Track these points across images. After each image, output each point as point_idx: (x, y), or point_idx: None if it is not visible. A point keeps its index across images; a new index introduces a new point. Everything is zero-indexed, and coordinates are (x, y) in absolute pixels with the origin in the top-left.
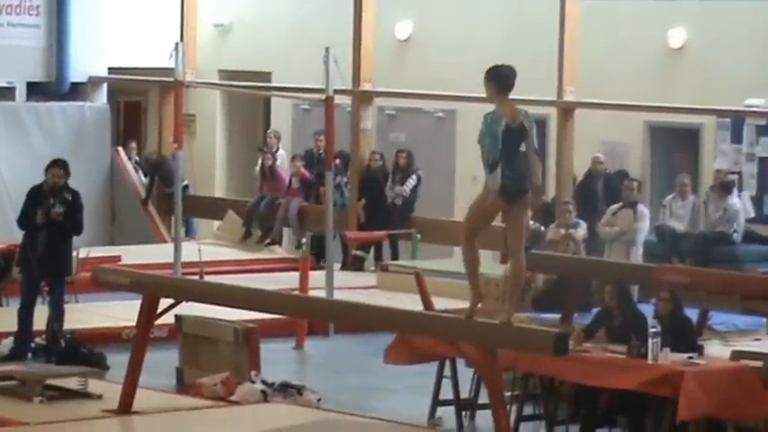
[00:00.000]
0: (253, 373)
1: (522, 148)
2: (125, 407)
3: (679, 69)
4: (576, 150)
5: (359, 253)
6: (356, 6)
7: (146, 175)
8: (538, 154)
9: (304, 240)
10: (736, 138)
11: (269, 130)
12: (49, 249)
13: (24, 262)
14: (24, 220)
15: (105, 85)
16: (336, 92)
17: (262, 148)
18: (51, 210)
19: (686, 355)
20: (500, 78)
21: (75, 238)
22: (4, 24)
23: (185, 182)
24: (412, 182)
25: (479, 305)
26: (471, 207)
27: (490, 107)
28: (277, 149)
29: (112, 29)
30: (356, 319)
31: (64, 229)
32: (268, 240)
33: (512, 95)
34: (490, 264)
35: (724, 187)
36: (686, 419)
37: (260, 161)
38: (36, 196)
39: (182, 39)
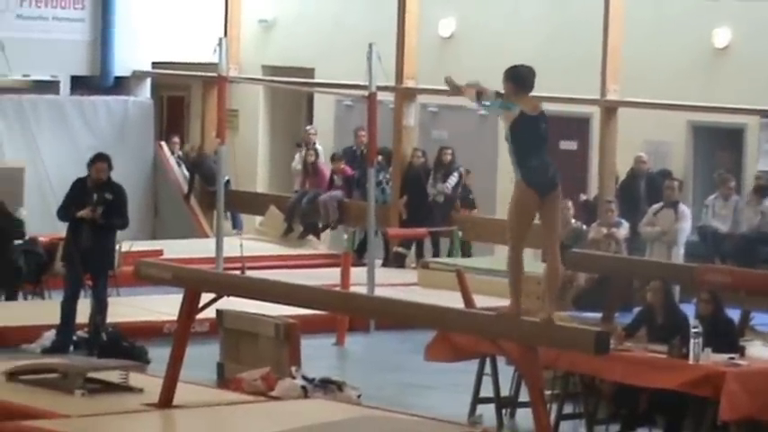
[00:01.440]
0: (293, 368)
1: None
2: (166, 401)
3: (723, 69)
4: (618, 149)
5: (400, 250)
6: (400, 3)
7: (188, 170)
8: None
9: (345, 235)
10: None
11: (307, 126)
12: (93, 244)
13: (68, 257)
14: (63, 212)
15: (149, 80)
16: (379, 88)
17: (299, 144)
18: (94, 209)
19: (727, 356)
20: (518, 78)
21: (117, 232)
22: (50, 18)
23: (227, 177)
24: (453, 179)
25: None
26: (509, 215)
27: None
28: (314, 145)
29: (157, 24)
30: (397, 316)
31: (110, 224)
32: (307, 234)
33: (555, 94)
34: (531, 262)
35: (759, 191)
36: (728, 420)
37: (297, 157)
38: (79, 190)
39: (225, 34)
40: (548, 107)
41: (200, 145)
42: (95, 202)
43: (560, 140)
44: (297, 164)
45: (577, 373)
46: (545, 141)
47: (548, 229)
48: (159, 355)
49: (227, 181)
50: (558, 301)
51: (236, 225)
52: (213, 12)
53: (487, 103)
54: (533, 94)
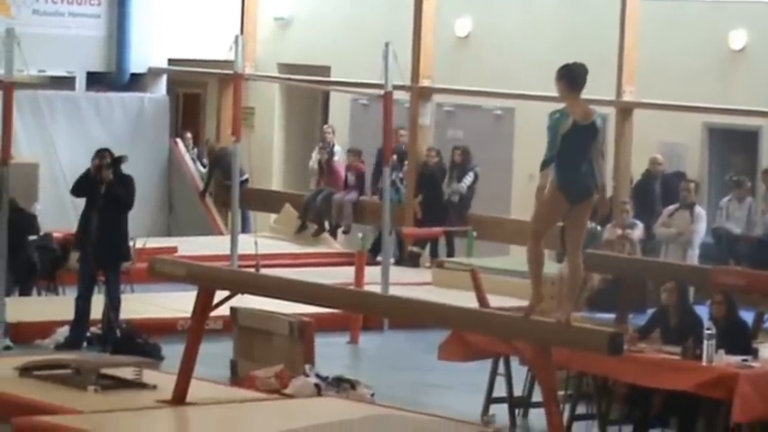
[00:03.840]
0: (307, 366)
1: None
2: (179, 398)
3: (739, 71)
4: (634, 150)
5: (414, 249)
6: (416, 2)
7: (204, 167)
8: (603, 156)
9: (360, 234)
10: None
11: (325, 126)
12: (103, 233)
13: (80, 247)
14: (77, 185)
15: (165, 77)
16: (395, 87)
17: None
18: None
19: (741, 358)
20: (572, 76)
21: (131, 229)
22: (66, 14)
23: (246, 175)
24: (469, 179)
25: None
26: (538, 207)
27: (550, 105)
28: (333, 144)
29: (173, 20)
30: (411, 315)
31: (117, 203)
32: (321, 231)
33: None
34: (546, 262)
35: None
36: (741, 422)
37: (314, 155)
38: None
39: (242, 31)
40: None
41: (218, 141)
42: (103, 195)
43: None
44: (314, 162)
45: (591, 373)
46: (589, 150)
47: (572, 236)
48: (173, 351)
49: (246, 179)
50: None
51: (246, 227)
52: (229, 9)
53: (548, 127)
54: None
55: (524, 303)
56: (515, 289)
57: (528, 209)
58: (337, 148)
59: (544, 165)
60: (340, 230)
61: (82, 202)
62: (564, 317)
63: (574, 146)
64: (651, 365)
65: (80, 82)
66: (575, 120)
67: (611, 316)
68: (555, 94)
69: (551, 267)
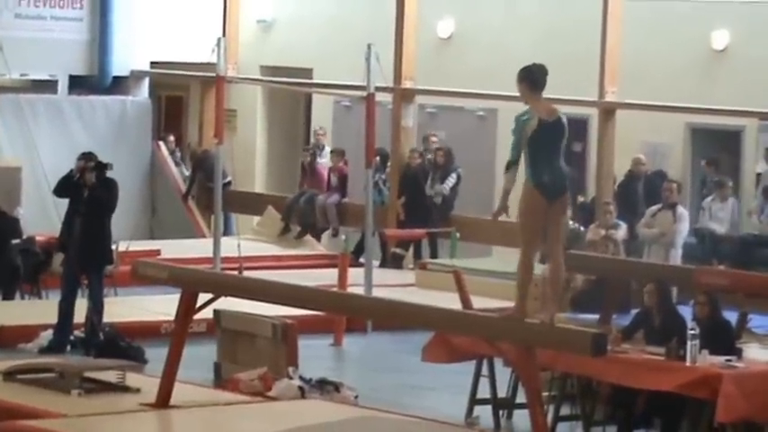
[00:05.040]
0: (290, 369)
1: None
2: (163, 401)
3: (721, 71)
4: (616, 151)
5: (398, 251)
6: (398, 4)
7: (188, 169)
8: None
9: (344, 237)
10: None
11: (317, 127)
12: (86, 236)
13: (63, 250)
14: (59, 185)
15: (147, 80)
16: (378, 89)
17: (309, 146)
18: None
19: (724, 358)
20: (533, 78)
21: (114, 232)
22: (48, 17)
23: (228, 178)
24: (452, 180)
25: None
26: (520, 217)
27: (524, 105)
28: (324, 146)
29: (155, 23)
30: (394, 317)
31: (100, 207)
32: (304, 235)
33: (553, 95)
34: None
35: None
36: (724, 422)
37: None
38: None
39: (224, 34)
40: None
41: (200, 144)
42: (86, 199)
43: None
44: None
45: (575, 374)
46: (559, 147)
47: (552, 234)
48: (156, 355)
49: (229, 182)
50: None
51: (228, 230)
52: (212, 12)
53: (512, 130)
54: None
55: (507, 304)
56: (498, 290)
57: (511, 210)
58: (326, 150)
59: (508, 166)
60: (326, 233)
61: (65, 205)
62: (548, 317)
63: (544, 144)
64: (635, 366)
65: (62, 85)
66: (540, 118)
67: (595, 317)
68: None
69: (536, 268)
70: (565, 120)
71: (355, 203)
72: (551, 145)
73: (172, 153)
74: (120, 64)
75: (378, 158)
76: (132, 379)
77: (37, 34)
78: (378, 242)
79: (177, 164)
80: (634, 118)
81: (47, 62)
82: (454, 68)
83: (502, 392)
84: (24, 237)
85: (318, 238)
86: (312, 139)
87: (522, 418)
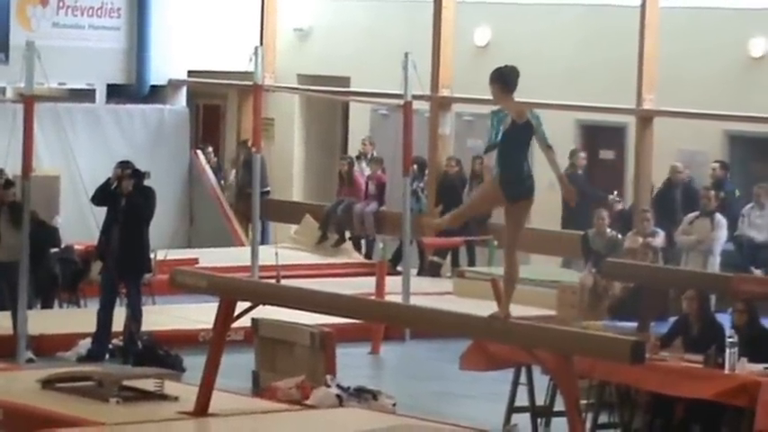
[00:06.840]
0: (328, 377)
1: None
2: (201, 409)
3: (759, 78)
4: (654, 158)
5: (435, 259)
6: (435, 12)
7: (221, 180)
8: (551, 148)
9: (381, 245)
10: None
11: (364, 137)
12: (124, 245)
13: (101, 259)
14: (98, 193)
15: (185, 89)
16: (415, 97)
17: (358, 156)
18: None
19: (763, 366)
20: (504, 79)
21: (152, 240)
22: (86, 26)
23: (268, 187)
24: None
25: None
26: (474, 194)
27: (570, 113)
28: (370, 156)
29: (192, 32)
30: (432, 325)
31: (137, 215)
32: (341, 242)
33: (590, 103)
34: (559, 271)
35: None
36: (764, 430)
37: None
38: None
39: (261, 43)
40: (584, 115)
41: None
42: (123, 207)
43: (598, 150)
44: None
45: (613, 382)
46: (527, 148)
47: (510, 234)
48: (194, 363)
49: (267, 191)
50: (592, 311)
51: (265, 238)
52: (249, 20)
53: (496, 134)
54: (522, 99)
55: (546, 312)
56: (536, 298)
57: (549, 217)
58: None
59: (487, 150)
60: (363, 241)
61: (103, 214)
62: (500, 314)
63: (513, 144)
64: (673, 374)
65: (100, 94)
66: (512, 119)
67: (633, 324)
68: (574, 102)
69: (568, 275)
70: (536, 120)
71: (393, 212)
72: (520, 146)
73: (211, 164)
74: (158, 73)
75: (415, 167)
76: (170, 387)
77: (75, 43)
78: (415, 250)
79: (214, 172)
80: (671, 125)
81: (85, 71)
82: None
83: (540, 400)
84: (63, 245)
85: (358, 247)
86: (360, 148)
87: (560, 426)
